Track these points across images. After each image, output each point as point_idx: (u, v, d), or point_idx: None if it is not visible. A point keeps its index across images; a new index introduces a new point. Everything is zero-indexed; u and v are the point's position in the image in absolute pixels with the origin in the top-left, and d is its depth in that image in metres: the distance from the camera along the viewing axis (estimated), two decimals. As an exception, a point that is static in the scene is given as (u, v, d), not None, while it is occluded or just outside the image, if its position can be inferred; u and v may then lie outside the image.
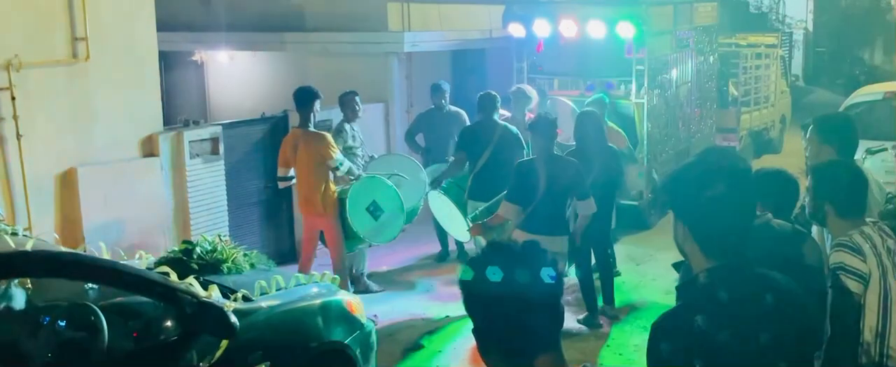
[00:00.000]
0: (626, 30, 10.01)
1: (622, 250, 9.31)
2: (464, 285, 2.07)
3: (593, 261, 7.76)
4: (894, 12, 24.46)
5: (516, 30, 10.71)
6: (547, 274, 1.99)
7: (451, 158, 8.64)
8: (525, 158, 7.05)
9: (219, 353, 4.24)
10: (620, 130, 9.53)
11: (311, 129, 7.59)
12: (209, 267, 5.32)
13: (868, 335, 3.54)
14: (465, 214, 7.84)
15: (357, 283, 8.37)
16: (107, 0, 7.45)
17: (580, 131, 7.71)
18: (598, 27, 10.11)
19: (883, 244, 3.55)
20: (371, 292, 8.34)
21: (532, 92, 9.65)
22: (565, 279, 7.85)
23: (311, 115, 7.59)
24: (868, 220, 3.72)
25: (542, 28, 10.49)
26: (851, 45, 26.05)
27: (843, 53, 26.02)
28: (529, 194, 6.73)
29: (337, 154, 7.49)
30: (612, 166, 7.68)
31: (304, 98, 7.61)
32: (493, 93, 8.50)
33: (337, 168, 7.50)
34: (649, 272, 8.98)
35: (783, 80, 16.47)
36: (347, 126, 8.34)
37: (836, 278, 3.49)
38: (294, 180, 7.73)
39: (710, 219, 2.54)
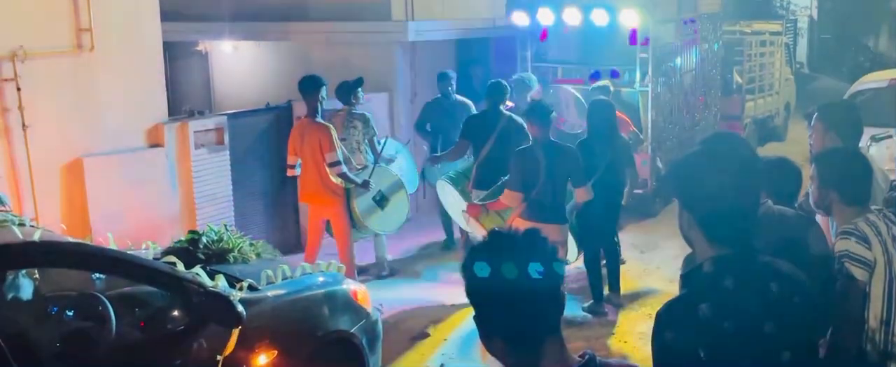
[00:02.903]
0: (629, 18, 10.00)
1: (627, 239, 9.32)
2: (466, 273, 2.08)
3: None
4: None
5: (520, 18, 10.71)
6: (535, 270, 2.00)
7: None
8: (523, 146, 7.03)
9: (231, 343, 4.24)
10: (625, 115, 9.54)
11: (319, 119, 7.59)
12: (215, 257, 5.34)
13: (873, 322, 3.55)
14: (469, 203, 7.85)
15: (382, 267, 8.62)
16: (111, -10, 7.47)
17: (592, 120, 7.70)
18: (601, 15, 10.10)
19: (888, 232, 3.55)
20: (382, 277, 8.50)
21: (532, 79, 9.67)
22: (571, 268, 7.87)
23: (318, 104, 7.58)
24: (873, 207, 3.72)
25: (545, 16, 10.48)
26: (856, 32, 25.93)
27: (847, 41, 25.90)
28: (531, 181, 6.74)
29: (337, 152, 7.47)
30: (622, 157, 7.67)
31: (310, 87, 7.60)
32: (504, 82, 8.52)
33: (332, 165, 7.45)
34: (654, 260, 8.99)
35: (787, 67, 16.43)
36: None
37: (842, 266, 3.50)
38: (299, 171, 7.75)
39: (715, 207, 2.54)
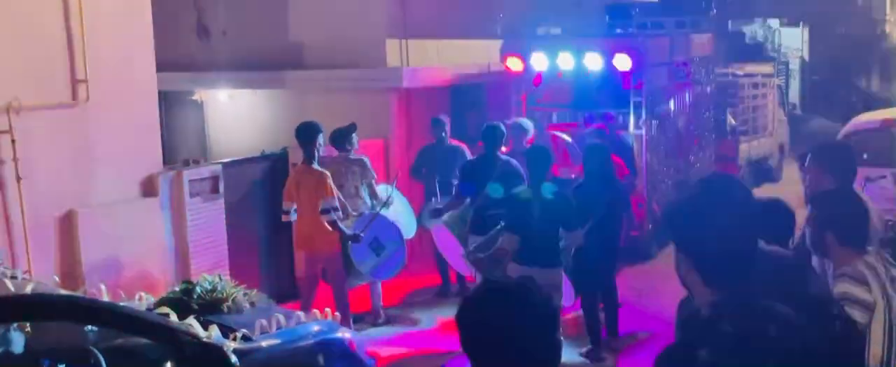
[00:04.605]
0: (622, 62, 10.07)
1: (623, 282, 9.26)
2: (461, 324, 2.06)
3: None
4: (889, 39, 24.60)
5: (514, 64, 10.78)
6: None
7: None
8: (518, 189, 7.05)
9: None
10: (620, 158, 9.55)
11: (316, 165, 7.59)
12: (209, 307, 5.31)
13: (873, 364, 3.51)
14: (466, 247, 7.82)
15: (377, 315, 8.51)
16: (106, 42, 7.46)
17: (588, 165, 7.70)
18: (595, 60, 10.17)
19: (886, 274, 3.53)
20: (378, 325, 8.42)
21: (529, 125, 9.70)
22: (569, 313, 7.82)
23: (315, 150, 7.59)
24: (869, 249, 3.70)
25: (539, 61, 10.56)
26: (848, 73, 26.16)
27: (839, 81, 26.12)
28: (523, 224, 6.72)
29: (331, 200, 7.46)
30: (618, 201, 7.67)
31: (307, 133, 7.62)
32: (499, 125, 8.53)
33: (325, 212, 7.45)
34: (651, 304, 8.93)
35: (781, 109, 16.53)
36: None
37: (842, 309, 3.47)
38: (294, 217, 7.73)
39: (713, 250, 2.52)
